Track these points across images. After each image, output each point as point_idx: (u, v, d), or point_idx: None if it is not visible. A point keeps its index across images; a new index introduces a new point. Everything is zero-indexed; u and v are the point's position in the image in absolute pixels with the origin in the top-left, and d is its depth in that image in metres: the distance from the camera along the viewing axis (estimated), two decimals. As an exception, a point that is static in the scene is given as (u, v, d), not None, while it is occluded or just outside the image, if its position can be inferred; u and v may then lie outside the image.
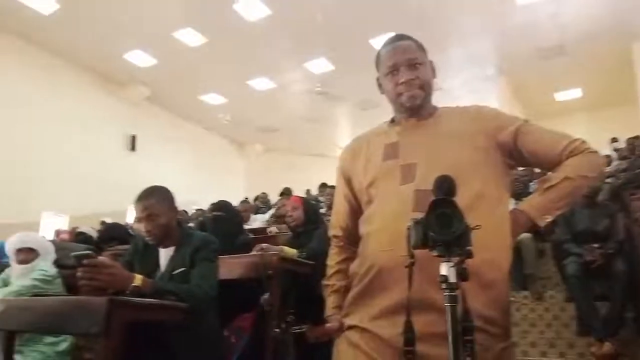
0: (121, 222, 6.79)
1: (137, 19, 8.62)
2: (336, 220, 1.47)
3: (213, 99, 11.95)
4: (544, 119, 12.29)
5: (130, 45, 9.61)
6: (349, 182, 1.41)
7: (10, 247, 2.64)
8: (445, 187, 0.98)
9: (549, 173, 1.29)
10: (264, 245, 2.59)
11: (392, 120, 1.40)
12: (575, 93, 11.69)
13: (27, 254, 2.60)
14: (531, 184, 6.89)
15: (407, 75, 1.29)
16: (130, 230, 4.82)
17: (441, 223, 0.92)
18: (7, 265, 2.72)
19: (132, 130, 11.54)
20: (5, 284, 2.57)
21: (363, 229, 1.33)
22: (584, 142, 1.25)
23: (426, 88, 1.32)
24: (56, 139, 9.59)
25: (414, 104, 1.30)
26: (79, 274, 1.62)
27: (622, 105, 10.74)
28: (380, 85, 1.40)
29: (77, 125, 10.12)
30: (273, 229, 4.93)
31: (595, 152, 1.26)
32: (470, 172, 1.21)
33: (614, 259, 3.35)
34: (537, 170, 8.22)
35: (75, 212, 9.37)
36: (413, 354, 0.99)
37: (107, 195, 9.88)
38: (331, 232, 1.49)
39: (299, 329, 2.47)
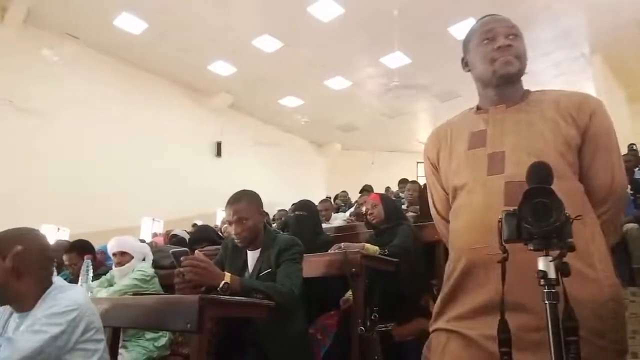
0: (211, 224, 7.17)
1: (218, 30, 9.04)
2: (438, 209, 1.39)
3: (291, 101, 12.22)
4: (648, 99, 11.09)
5: (213, 56, 10.11)
6: (435, 172, 1.35)
7: (109, 250, 2.88)
8: (542, 174, 0.88)
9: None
10: (342, 244, 2.58)
11: (478, 108, 1.30)
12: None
13: (122, 257, 2.81)
14: (636, 169, 6.25)
15: (505, 41, 1.20)
16: (219, 232, 5.07)
17: (538, 214, 0.83)
18: (111, 267, 2.96)
19: (218, 137, 12.14)
20: (110, 284, 2.81)
21: (451, 223, 1.26)
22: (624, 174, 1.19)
23: (522, 60, 1.22)
24: (149, 150, 10.35)
25: (508, 72, 1.20)
26: (176, 270, 1.72)
27: None
28: (466, 64, 1.31)
29: (169, 136, 10.87)
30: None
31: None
32: (558, 162, 1.11)
33: None
34: (643, 154, 7.44)
35: (170, 216, 10.08)
36: (510, 355, 0.91)
37: (197, 200, 10.51)
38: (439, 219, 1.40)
39: (385, 327, 2.42)
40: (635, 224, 4.50)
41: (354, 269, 2.21)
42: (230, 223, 2.05)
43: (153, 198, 10.00)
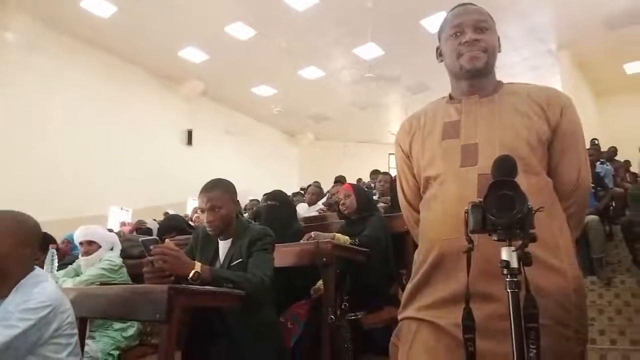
0: (181, 213, 7.08)
1: (190, 16, 8.84)
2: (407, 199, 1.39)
3: (264, 90, 12.10)
4: (613, 94, 11.49)
5: (184, 42, 9.88)
6: (407, 160, 1.34)
7: (76, 239, 2.82)
8: (507, 167, 0.91)
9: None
10: (312, 233, 2.60)
11: (451, 98, 1.31)
12: (648, 64, 10.79)
13: (89, 246, 2.75)
14: (597, 163, 6.49)
15: (472, 35, 1.21)
16: (189, 222, 5.01)
17: (502, 205, 0.86)
18: (77, 257, 2.90)
19: (188, 125, 11.93)
20: (77, 273, 2.74)
21: (422, 213, 1.27)
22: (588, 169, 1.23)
23: (490, 53, 1.22)
24: (118, 137, 10.06)
25: (475, 66, 1.20)
26: (145, 259, 1.70)
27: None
28: (440, 54, 1.31)
29: (137, 123, 10.58)
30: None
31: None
32: (529, 156, 1.14)
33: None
34: (603, 149, 7.73)
35: (138, 205, 9.87)
36: (473, 342, 0.94)
37: (167, 189, 10.34)
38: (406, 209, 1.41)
39: (355, 316, 2.46)
40: (596, 216, 4.68)
41: (324, 259, 2.22)
42: (202, 211, 2.04)
43: (121, 186, 9.76)
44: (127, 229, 6.79)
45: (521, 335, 0.84)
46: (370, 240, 2.69)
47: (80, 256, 2.79)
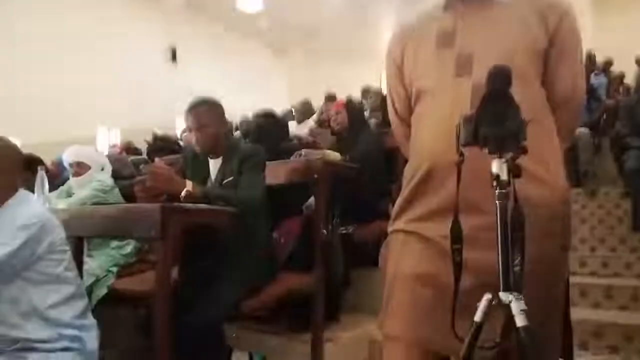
0: (170, 133, 7.01)
1: None
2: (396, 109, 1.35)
3: (251, 5, 11.50)
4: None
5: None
6: (398, 71, 1.28)
7: (65, 160, 2.79)
8: (501, 78, 0.87)
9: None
10: (302, 151, 2.59)
11: (446, 6, 1.23)
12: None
13: (79, 168, 2.72)
14: (592, 74, 6.40)
15: None
16: (178, 141, 4.97)
17: (494, 118, 0.84)
18: (68, 178, 2.89)
19: (172, 42, 11.48)
20: (69, 194, 2.75)
21: (413, 128, 1.24)
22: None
23: None
24: (102, 57, 9.67)
25: None
26: (135, 179, 1.70)
27: None
28: None
29: (121, 41, 10.14)
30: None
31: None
32: (525, 65, 1.10)
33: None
34: (598, 60, 7.58)
35: (126, 125, 9.72)
36: (460, 252, 0.96)
37: (154, 108, 10.13)
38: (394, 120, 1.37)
39: (346, 230, 2.53)
40: (586, 129, 4.70)
41: (316, 175, 2.24)
42: (190, 130, 2.01)
43: (107, 107, 9.56)
44: (116, 150, 6.75)
45: (507, 244, 0.86)
46: (361, 156, 2.70)
47: (70, 177, 2.78)
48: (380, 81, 12.72)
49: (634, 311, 2.62)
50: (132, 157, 1.71)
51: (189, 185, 1.73)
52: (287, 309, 2.25)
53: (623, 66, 7.65)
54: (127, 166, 3.10)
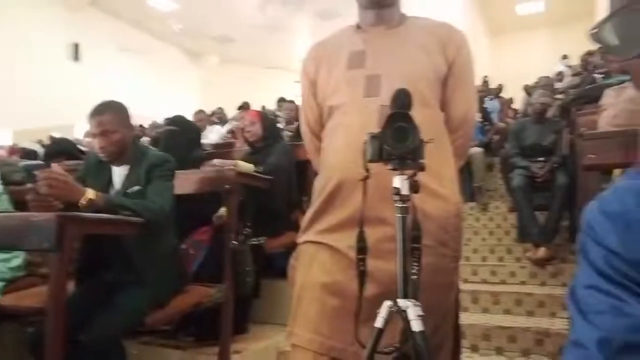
0: (69, 137, 6.51)
1: None
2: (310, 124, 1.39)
3: (163, 4, 11.10)
4: (505, 32, 12.25)
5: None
6: (312, 87, 1.34)
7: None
8: (403, 100, 0.96)
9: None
10: (216, 161, 2.56)
11: (358, 27, 1.31)
12: (538, 7, 11.59)
13: None
14: (487, 99, 6.99)
15: None
16: (79, 146, 4.64)
17: (397, 137, 0.91)
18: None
19: (75, 38, 10.68)
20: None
21: (324, 142, 1.30)
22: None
23: None
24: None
25: None
26: (28, 186, 1.57)
27: (584, 21, 10.79)
28: None
29: (18, 37, 9.25)
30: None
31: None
32: (426, 90, 1.20)
33: (557, 173, 3.55)
34: (492, 85, 8.34)
35: (19, 126, 8.87)
36: (364, 262, 1.02)
37: (52, 109, 9.36)
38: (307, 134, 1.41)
39: (257, 241, 2.53)
40: (480, 149, 5.14)
41: (228, 185, 2.22)
42: (94, 136, 1.89)
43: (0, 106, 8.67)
44: (3, 152, 6.12)
45: (406, 254, 0.93)
46: (274, 168, 2.72)
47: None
48: (294, 93, 12.92)
49: (516, 315, 2.90)
50: (25, 162, 1.57)
51: (90, 193, 1.63)
52: (194, 322, 2.19)
53: (513, 92, 8.50)
54: (18, 171, 2.84)
